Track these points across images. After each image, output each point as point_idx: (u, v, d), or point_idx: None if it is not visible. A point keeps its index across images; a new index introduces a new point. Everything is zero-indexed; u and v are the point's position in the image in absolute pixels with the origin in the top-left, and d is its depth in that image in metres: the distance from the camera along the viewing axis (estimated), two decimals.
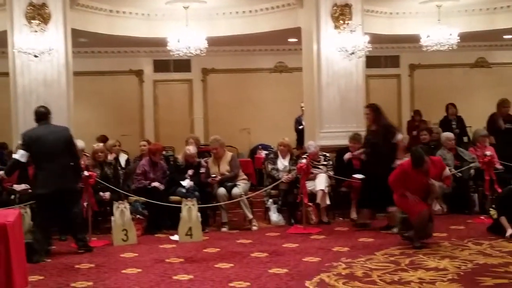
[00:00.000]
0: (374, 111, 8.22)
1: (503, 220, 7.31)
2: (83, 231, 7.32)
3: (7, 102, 9.96)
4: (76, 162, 7.19)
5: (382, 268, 5.95)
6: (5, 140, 11.19)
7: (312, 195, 8.68)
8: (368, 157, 8.28)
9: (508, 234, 7.14)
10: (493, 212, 7.59)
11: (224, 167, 8.81)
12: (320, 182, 8.72)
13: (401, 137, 8.09)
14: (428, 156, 6.99)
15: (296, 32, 11.52)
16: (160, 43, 11.47)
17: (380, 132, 8.08)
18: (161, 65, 14.46)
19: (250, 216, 8.60)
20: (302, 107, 11.96)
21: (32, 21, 9.45)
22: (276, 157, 9.19)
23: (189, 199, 7.97)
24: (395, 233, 7.48)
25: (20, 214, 5.30)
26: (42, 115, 7.17)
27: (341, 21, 10.26)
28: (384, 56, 14.75)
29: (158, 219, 8.39)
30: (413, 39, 12.10)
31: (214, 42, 11.42)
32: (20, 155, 6.95)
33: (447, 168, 7.41)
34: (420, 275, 5.66)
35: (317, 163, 9.02)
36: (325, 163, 9.13)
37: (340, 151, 9.45)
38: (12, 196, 8.05)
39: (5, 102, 10.24)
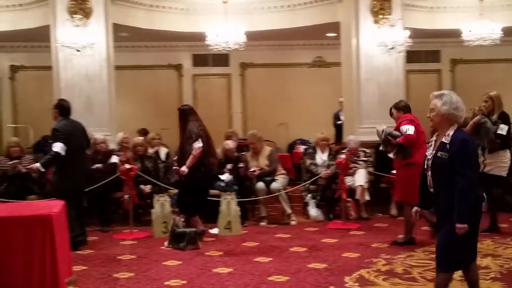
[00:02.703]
0: (180, 113, 7.49)
1: None
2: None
3: (51, 96, 10.15)
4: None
5: (423, 265, 5.89)
6: (49, 133, 11.39)
7: (351, 191, 8.64)
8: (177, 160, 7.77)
9: None
10: None
11: (263, 162, 8.84)
12: (359, 178, 8.68)
13: (198, 147, 7.17)
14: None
15: (335, 26, 11.45)
16: (199, 37, 11.51)
17: (185, 135, 7.41)
18: (200, 60, 14.52)
19: (289, 210, 8.61)
20: (340, 102, 11.90)
21: (74, 15, 9.63)
22: (315, 152, 9.17)
23: (228, 193, 8.03)
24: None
25: (64, 205, 5.40)
26: (69, 109, 7.25)
27: (381, 16, 10.17)
28: (425, 51, 14.51)
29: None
30: (455, 34, 11.87)
31: (252, 36, 11.41)
32: (60, 148, 6.84)
33: (404, 126, 6.95)
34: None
35: (356, 159, 8.97)
36: (364, 159, 9.07)
37: (379, 147, 9.36)
38: None
39: (48, 96, 10.43)
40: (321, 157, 9.08)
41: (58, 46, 9.68)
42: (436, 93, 4.23)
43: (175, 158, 8.08)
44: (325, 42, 14.27)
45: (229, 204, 7.86)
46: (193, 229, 7.15)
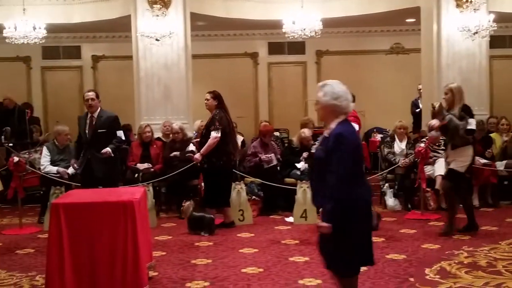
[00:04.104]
0: (213, 98, 7.44)
1: None
2: None
3: (131, 85, 10.41)
4: None
5: (508, 258, 5.65)
6: (129, 121, 11.68)
7: (431, 180, 8.41)
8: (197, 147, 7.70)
9: None
10: None
11: None
12: (440, 167, 8.40)
13: (215, 136, 7.21)
14: None
15: (414, 11, 11.16)
16: (275, 25, 11.49)
17: (207, 122, 7.47)
18: (275, 48, 14.50)
19: None
20: (419, 89, 11.60)
21: (154, 5, 9.83)
22: (393, 140, 8.98)
23: (304, 181, 7.97)
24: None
25: (145, 192, 5.52)
26: None
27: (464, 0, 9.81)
28: (510, 35, 13.91)
29: (273, 200, 8.47)
30: None
31: (329, 23, 11.29)
32: (123, 135, 7.36)
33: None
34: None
35: (436, 147, 8.71)
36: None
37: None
38: (136, 175, 8.44)
39: (129, 85, 10.69)
40: (399, 145, 8.88)
41: (138, 36, 9.90)
42: (320, 83, 3.95)
43: (196, 140, 8.14)
44: (404, 28, 13.97)
45: (305, 193, 7.80)
46: (211, 216, 7.22)
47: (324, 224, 3.68)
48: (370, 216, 3.92)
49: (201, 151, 7.33)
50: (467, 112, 6.82)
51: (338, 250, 3.76)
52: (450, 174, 6.86)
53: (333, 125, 3.79)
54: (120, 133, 7.31)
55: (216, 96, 7.49)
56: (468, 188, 7.24)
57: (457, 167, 6.74)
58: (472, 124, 6.76)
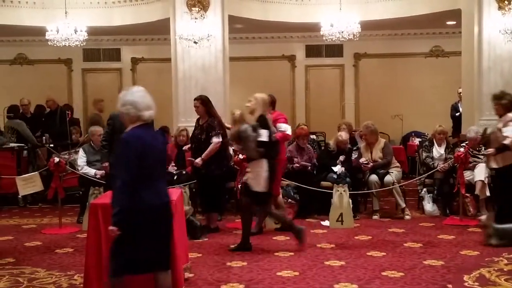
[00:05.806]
0: (202, 104, 7.54)
1: None
2: None
3: (169, 87, 10.50)
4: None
5: None
6: (167, 123, 11.77)
7: (470, 186, 8.27)
8: (192, 153, 7.74)
9: None
10: None
11: (377, 154, 8.66)
12: (480, 172, 8.26)
13: (217, 141, 7.34)
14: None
15: (455, 14, 11.01)
16: (313, 28, 11.47)
17: (205, 127, 7.49)
18: (313, 50, 14.47)
19: (403, 204, 8.38)
20: (459, 93, 11.43)
21: (193, 8, 9.91)
22: (432, 144, 8.86)
23: (340, 185, 7.92)
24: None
25: (181, 194, 5.57)
26: None
27: (506, 2, 9.66)
28: None
29: (309, 204, 8.44)
30: None
31: (367, 26, 11.21)
32: None
33: (283, 125, 7.25)
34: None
35: (477, 153, 8.56)
36: (485, 153, 8.62)
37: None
38: (175, 177, 8.50)
39: (167, 87, 10.79)
40: (438, 150, 8.75)
41: (176, 38, 9.99)
42: None
43: (188, 146, 8.30)
44: (444, 31, 13.80)
45: (341, 197, 7.76)
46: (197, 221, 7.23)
47: (112, 228, 3.81)
48: (159, 222, 3.98)
49: (203, 156, 7.40)
50: (262, 123, 6.47)
51: (116, 249, 3.90)
52: (246, 190, 6.57)
53: (128, 129, 3.93)
54: None
55: (204, 101, 7.63)
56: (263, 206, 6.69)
57: (251, 184, 6.45)
58: (263, 135, 6.38)
